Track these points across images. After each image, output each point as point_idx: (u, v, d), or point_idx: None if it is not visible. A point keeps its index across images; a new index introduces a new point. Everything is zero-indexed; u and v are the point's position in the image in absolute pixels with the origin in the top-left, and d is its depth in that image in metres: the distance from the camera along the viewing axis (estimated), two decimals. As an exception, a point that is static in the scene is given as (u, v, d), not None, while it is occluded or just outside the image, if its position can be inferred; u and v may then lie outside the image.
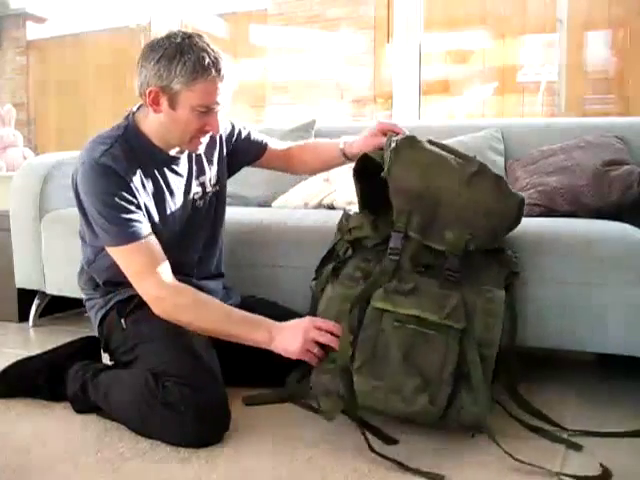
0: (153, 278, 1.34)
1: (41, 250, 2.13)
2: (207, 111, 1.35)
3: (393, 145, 1.32)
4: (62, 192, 2.16)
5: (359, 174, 1.45)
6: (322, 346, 1.30)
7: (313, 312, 1.40)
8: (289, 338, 1.32)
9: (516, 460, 1.13)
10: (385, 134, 1.46)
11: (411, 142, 1.34)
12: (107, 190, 1.33)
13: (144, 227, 1.36)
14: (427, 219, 1.30)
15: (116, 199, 1.33)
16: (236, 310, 1.40)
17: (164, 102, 1.34)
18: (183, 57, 1.29)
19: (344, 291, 1.31)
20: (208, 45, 1.32)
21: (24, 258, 2.18)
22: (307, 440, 1.27)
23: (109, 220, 1.34)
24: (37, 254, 2.14)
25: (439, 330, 1.22)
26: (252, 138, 1.68)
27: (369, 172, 1.42)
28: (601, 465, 1.13)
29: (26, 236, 2.16)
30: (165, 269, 1.36)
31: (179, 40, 1.31)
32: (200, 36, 1.34)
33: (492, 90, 3.49)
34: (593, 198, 1.79)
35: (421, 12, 3.19)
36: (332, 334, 1.29)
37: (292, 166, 1.73)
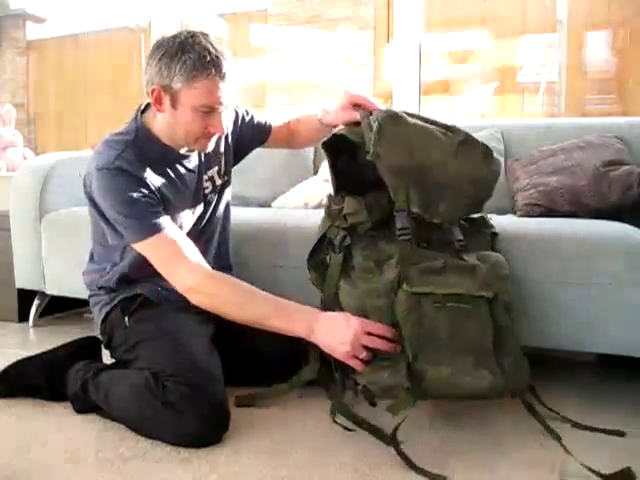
0: (184, 266, 1.33)
1: (41, 250, 2.13)
2: (210, 111, 1.34)
3: (376, 125, 1.29)
4: (62, 192, 2.17)
5: (331, 150, 1.42)
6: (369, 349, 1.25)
7: (330, 308, 1.34)
8: (335, 338, 1.25)
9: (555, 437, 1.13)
10: (357, 106, 1.43)
11: (394, 119, 1.31)
12: (123, 189, 1.34)
13: (165, 219, 1.36)
14: (422, 193, 1.29)
15: (133, 195, 1.33)
16: (275, 299, 1.34)
17: (166, 101, 1.34)
18: (184, 55, 1.29)
19: (370, 285, 1.26)
20: (211, 44, 1.32)
21: (24, 258, 2.18)
22: (307, 440, 1.27)
23: (129, 216, 1.34)
24: (37, 254, 2.14)
25: (472, 302, 1.21)
26: (256, 122, 1.67)
27: (344, 149, 1.40)
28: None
29: (26, 236, 2.16)
30: (195, 256, 1.35)
31: (182, 38, 1.31)
32: (205, 35, 1.33)
33: (492, 90, 3.49)
34: (593, 198, 1.79)
35: (421, 12, 3.19)
36: (382, 337, 1.23)
37: (292, 141, 1.74)
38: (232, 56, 1.37)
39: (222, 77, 1.31)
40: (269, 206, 2.29)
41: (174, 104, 1.34)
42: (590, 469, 1.12)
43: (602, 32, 3.25)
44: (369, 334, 1.23)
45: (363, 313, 1.25)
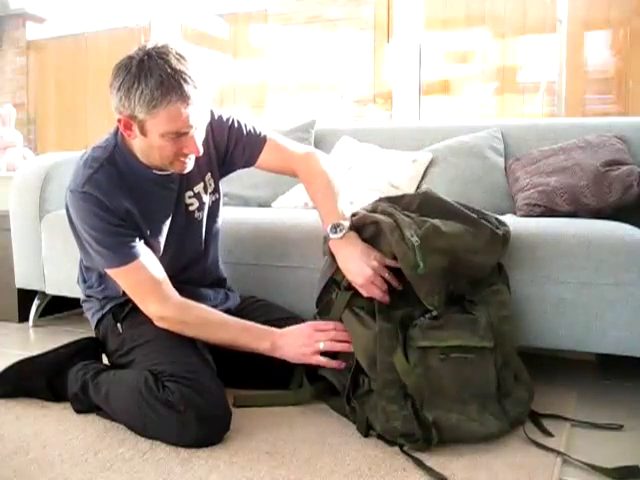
0: (154, 297, 1.36)
1: (41, 250, 2.13)
2: (180, 136, 1.28)
3: (417, 242, 1.29)
4: (62, 192, 2.14)
5: None
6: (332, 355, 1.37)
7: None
8: (293, 345, 1.37)
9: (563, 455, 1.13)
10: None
11: (434, 230, 1.31)
12: (94, 215, 1.33)
13: (138, 246, 1.36)
14: (445, 288, 1.33)
15: (105, 224, 1.33)
16: (239, 323, 1.41)
17: (135, 129, 1.29)
18: (141, 85, 1.21)
19: (384, 324, 1.28)
20: (169, 64, 1.22)
21: (24, 258, 2.18)
22: (307, 440, 1.27)
23: (102, 244, 1.34)
24: (37, 254, 2.14)
25: (475, 352, 1.26)
26: (246, 135, 1.52)
27: None
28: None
29: (26, 236, 2.16)
30: (166, 286, 1.37)
31: (137, 62, 1.23)
32: (163, 53, 1.23)
33: (492, 90, 3.49)
34: (593, 198, 1.79)
35: (421, 12, 3.19)
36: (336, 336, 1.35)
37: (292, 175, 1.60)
38: (197, 69, 1.26)
39: (184, 100, 1.23)
40: (269, 206, 2.29)
41: (143, 132, 1.28)
42: (592, 465, 1.13)
43: (602, 32, 3.25)
44: (322, 331, 1.36)
45: (372, 352, 1.27)
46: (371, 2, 3.47)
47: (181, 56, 1.25)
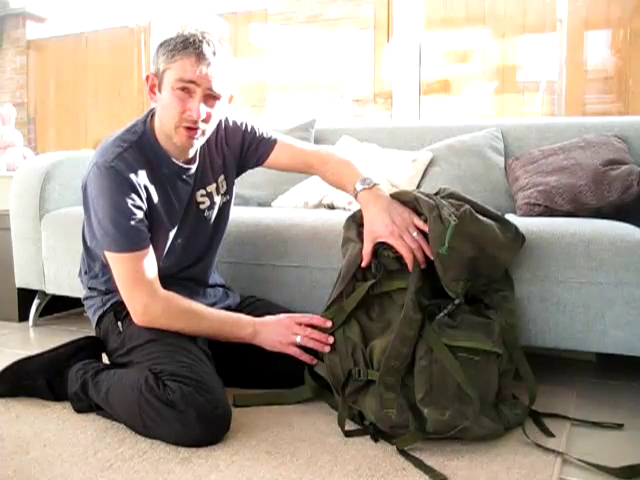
0: (145, 288, 1.36)
1: (41, 250, 2.13)
2: (186, 91, 1.33)
3: (453, 220, 1.30)
4: (62, 192, 2.17)
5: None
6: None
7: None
8: (271, 333, 1.41)
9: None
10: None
11: (470, 216, 1.33)
12: (119, 194, 1.34)
13: (146, 237, 1.38)
14: (470, 278, 1.34)
15: (125, 204, 1.34)
16: (221, 313, 1.45)
17: (156, 87, 1.38)
18: (172, 40, 1.34)
19: (413, 315, 1.27)
20: (203, 34, 1.34)
21: (24, 258, 2.18)
22: (307, 440, 1.27)
23: (115, 225, 1.34)
24: (37, 254, 2.14)
25: (482, 355, 1.26)
26: (259, 139, 1.58)
27: None
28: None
29: (26, 236, 2.16)
30: (156, 280, 1.39)
31: (180, 31, 1.36)
32: (204, 31, 1.36)
33: (492, 90, 3.49)
34: (593, 197, 1.79)
35: (421, 12, 3.19)
36: (313, 327, 1.38)
37: (309, 173, 1.68)
38: (227, 52, 1.38)
39: (200, 56, 1.32)
40: (269, 206, 2.29)
41: (160, 88, 1.37)
42: (596, 465, 1.13)
43: (602, 31, 3.25)
44: (299, 325, 1.40)
45: (389, 337, 1.27)
46: (371, 2, 3.47)
47: (219, 40, 1.37)
